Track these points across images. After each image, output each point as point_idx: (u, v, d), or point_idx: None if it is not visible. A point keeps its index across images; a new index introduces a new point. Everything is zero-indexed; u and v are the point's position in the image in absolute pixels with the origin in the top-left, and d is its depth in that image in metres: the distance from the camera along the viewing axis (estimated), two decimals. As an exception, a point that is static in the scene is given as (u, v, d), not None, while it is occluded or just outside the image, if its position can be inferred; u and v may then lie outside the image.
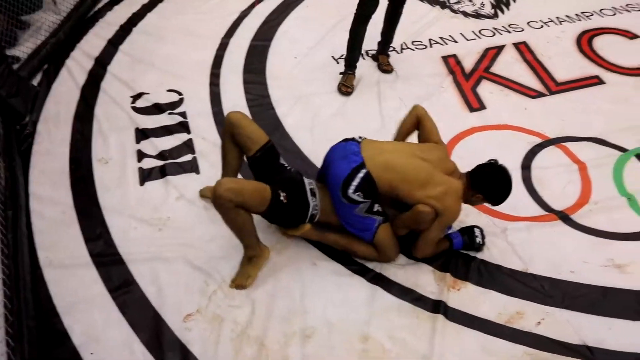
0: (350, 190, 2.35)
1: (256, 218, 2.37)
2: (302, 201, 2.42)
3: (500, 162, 2.47)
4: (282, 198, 2.33)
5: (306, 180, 2.51)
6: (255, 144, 2.48)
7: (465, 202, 2.54)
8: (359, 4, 3.38)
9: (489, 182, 2.45)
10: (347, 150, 2.43)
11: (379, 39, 3.81)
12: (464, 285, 2.50)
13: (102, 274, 2.50)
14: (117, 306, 2.37)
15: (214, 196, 2.19)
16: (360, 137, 2.51)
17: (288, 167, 2.55)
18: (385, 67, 3.81)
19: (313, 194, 2.47)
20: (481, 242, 2.60)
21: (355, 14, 3.44)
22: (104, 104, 3.47)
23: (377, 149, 2.45)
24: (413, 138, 2.75)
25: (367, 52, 3.93)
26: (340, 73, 3.69)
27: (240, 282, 2.45)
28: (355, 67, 3.64)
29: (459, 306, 2.41)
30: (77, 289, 2.43)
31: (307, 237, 2.59)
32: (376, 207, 2.43)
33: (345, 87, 3.61)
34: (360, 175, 2.34)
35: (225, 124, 2.53)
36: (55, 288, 2.43)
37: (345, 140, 2.52)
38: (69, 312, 2.35)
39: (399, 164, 2.40)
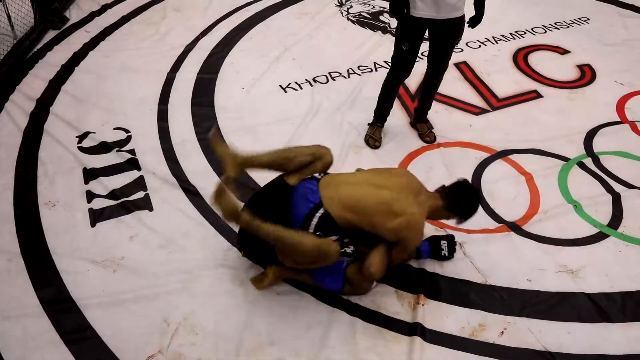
0: (310, 230, 2.31)
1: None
2: None
3: (453, 178, 2.52)
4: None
5: None
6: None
7: (435, 219, 2.56)
8: (392, 66, 3.25)
9: (467, 205, 2.45)
10: (306, 190, 2.38)
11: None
12: (426, 302, 2.51)
13: (54, 321, 2.39)
14: (72, 354, 2.27)
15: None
16: (320, 174, 2.46)
17: None
18: (426, 138, 3.48)
19: None
20: (447, 254, 2.65)
21: (387, 75, 3.31)
22: (48, 146, 3.37)
23: (335, 184, 2.39)
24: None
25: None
26: (368, 124, 3.49)
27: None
28: (385, 120, 3.47)
29: (423, 323, 2.41)
30: (27, 340, 2.32)
31: (281, 278, 2.52)
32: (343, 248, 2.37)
33: (374, 140, 3.41)
34: (318, 214, 2.30)
35: None
36: (2, 341, 2.31)
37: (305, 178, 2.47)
38: (20, 365, 2.23)
39: (356, 197, 2.33)
